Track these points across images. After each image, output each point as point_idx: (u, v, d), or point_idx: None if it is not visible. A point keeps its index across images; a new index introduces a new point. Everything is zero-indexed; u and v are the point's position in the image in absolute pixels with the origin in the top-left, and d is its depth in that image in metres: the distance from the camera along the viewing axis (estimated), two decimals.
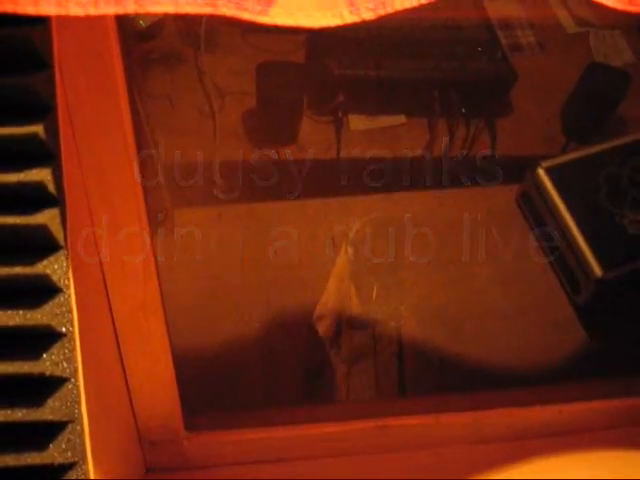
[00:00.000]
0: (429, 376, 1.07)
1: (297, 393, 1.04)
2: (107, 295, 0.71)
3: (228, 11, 0.44)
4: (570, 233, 0.97)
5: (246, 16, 0.45)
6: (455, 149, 1.20)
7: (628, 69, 1.20)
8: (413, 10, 0.49)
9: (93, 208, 0.64)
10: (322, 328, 1.04)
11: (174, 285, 0.93)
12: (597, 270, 0.96)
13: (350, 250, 1.07)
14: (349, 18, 0.48)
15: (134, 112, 0.66)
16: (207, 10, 0.44)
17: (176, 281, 0.98)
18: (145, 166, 0.88)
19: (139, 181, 0.66)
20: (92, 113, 0.58)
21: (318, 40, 1.22)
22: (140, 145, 0.72)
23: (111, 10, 0.42)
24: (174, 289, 0.90)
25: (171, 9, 0.43)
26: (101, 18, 0.53)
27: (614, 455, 0.87)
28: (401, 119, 1.25)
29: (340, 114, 1.21)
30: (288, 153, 1.15)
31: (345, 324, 1.04)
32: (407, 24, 1.22)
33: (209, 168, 1.07)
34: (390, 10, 0.48)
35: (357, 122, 1.23)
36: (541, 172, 1.00)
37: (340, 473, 0.86)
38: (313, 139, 1.19)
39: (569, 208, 0.98)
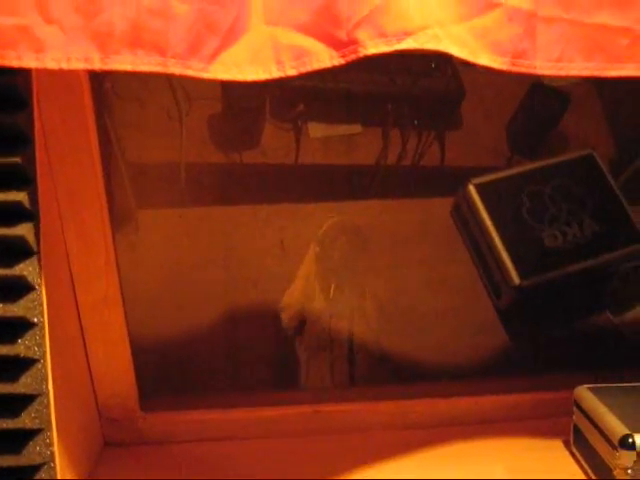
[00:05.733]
0: (374, 368, 1.17)
1: (249, 380, 1.13)
2: (74, 290, 0.81)
3: (176, 70, 0.55)
4: (494, 244, 1.07)
5: (191, 73, 0.55)
6: (406, 159, 1.27)
7: (571, 90, 1.27)
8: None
9: (63, 215, 0.74)
10: (286, 319, 1.13)
11: (138, 281, 1.01)
12: (515, 278, 1.05)
13: (317, 249, 1.16)
14: (276, 73, 0.59)
15: (101, 121, 0.76)
16: (159, 69, 0.54)
17: (139, 277, 1.06)
18: (111, 170, 0.97)
19: (104, 191, 0.77)
20: (64, 137, 0.68)
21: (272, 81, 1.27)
22: (107, 152, 0.81)
23: (80, 66, 0.53)
24: (138, 285, 0.99)
25: (129, 67, 0.53)
26: None
27: (518, 444, 0.97)
28: (357, 128, 1.31)
29: (300, 122, 1.28)
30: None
31: (307, 318, 1.14)
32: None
33: (174, 170, 1.15)
34: (309, 68, 0.59)
35: (316, 130, 1.30)
36: (471, 188, 1.10)
37: (277, 452, 0.95)
38: (274, 144, 1.25)
39: (494, 221, 1.07)
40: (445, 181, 1.21)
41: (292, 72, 0.59)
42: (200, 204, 1.17)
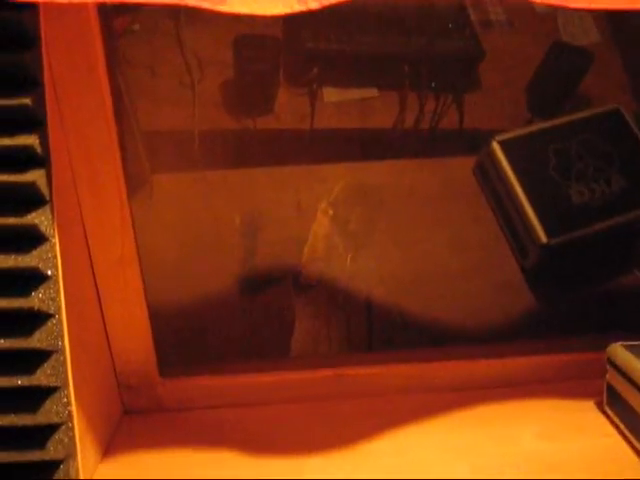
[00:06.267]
0: (393, 333, 1.15)
1: (269, 345, 1.11)
2: (88, 248, 0.78)
3: (191, 1, 0.51)
4: (520, 202, 1.04)
5: (206, 5, 0.52)
6: (424, 122, 1.25)
7: (593, 49, 1.24)
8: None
9: (75, 169, 0.71)
10: (306, 276, 1.11)
11: (153, 246, 0.99)
12: (543, 236, 1.02)
13: (330, 211, 1.13)
14: (297, 7, 0.56)
15: (114, 82, 0.73)
16: (173, 1, 0.51)
17: (155, 242, 1.04)
18: (124, 132, 0.94)
19: (117, 144, 0.74)
20: (74, 85, 0.65)
21: (294, 15, 1.25)
22: (119, 113, 0.78)
23: None
24: (153, 250, 0.97)
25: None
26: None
27: (548, 405, 0.95)
28: (373, 92, 1.29)
29: (314, 86, 1.26)
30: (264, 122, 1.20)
31: (325, 281, 1.12)
32: (380, 0, 1.26)
33: (187, 136, 1.13)
34: (333, 1, 0.55)
35: (331, 94, 1.27)
36: (495, 145, 1.07)
37: (299, 416, 0.93)
38: (289, 110, 1.23)
39: (519, 179, 1.05)
40: (464, 144, 1.19)
41: (314, 5, 0.55)
42: (214, 168, 1.14)
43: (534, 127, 1.11)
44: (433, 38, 1.24)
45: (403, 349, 1.09)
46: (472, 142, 1.16)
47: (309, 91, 1.25)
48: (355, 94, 1.28)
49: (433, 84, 1.25)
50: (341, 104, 1.25)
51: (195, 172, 1.14)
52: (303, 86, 1.24)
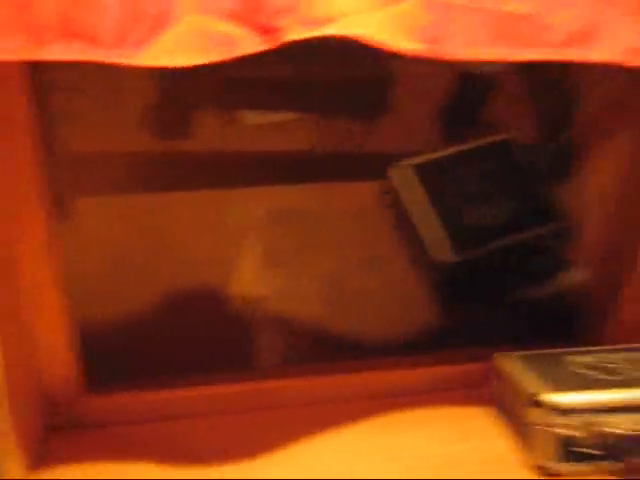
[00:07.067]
0: (310, 347, 1.20)
1: (196, 360, 1.15)
2: (16, 268, 0.81)
3: (106, 58, 0.57)
4: (428, 222, 1.12)
5: (121, 60, 0.58)
6: (338, 145, 1.28)
7: (497, 76, 1.29)
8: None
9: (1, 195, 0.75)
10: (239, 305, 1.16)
11: (76, 269, 1.01)
12: (449, 254, 1.10)
13: (254, 236, 1.18)
14: (202, 60, 0.62)
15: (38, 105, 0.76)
16: (88, 57, 0.56)
17: (78, 266, 1.06)
18: (45, 156, 0.96)
19: (41, 167, 0.77)
20: None
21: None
22: (41, 138, 0.81)
23: (13, 57, 0.55)
24: (77, 273, 1.00)
25: (61, 57, 0.56)
26: None
27: (452, 412, 1.03)
28: (291, 115, 1.32)
29: (234, 110, 1.28)
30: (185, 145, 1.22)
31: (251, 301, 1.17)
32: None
33: (108, 158, 1.15)
34: (234, 55, 0.62)
35: (250, 117, 1.30)
36: (404, 168, 1.13)
37: (220, 428, 0.98)
38: (209, 133, 1.25)
39: (427, 200, 1.11)
40: (376, 166, 1.23)
41: (218, 59, 0.62)
42: (135, 191, 1.17)
43: (439, 153, 1.18)
44: (346, 63, 1.27)
45: (321, 362, 1.15)
46: (384, 165, 1.20)
47: (229, 114, 1.27)
48: (274, 117, 1.31)
49: (346, 108, 1.28)
50: (261, 127, 1.27)
51: (117, 195, 1.15)
52: (223, 109, 1.26)
